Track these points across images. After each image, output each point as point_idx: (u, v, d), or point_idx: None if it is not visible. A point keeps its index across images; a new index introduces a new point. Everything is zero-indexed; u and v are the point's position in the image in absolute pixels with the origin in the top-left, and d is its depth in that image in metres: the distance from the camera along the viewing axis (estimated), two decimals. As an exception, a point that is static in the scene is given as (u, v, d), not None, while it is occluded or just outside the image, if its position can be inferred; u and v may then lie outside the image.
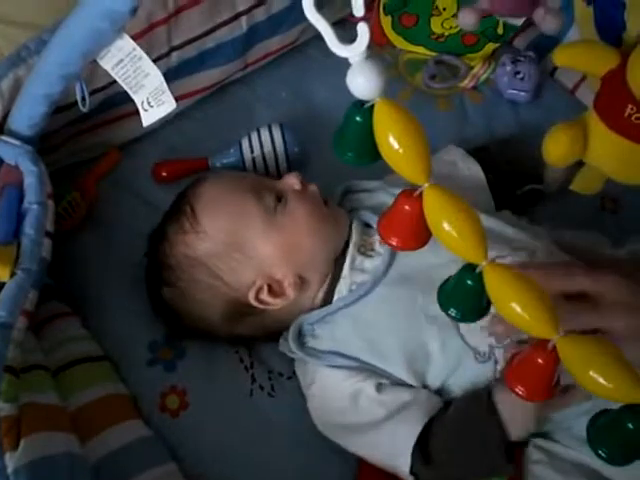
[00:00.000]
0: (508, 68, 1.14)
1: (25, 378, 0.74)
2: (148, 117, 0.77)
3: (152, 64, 0.74)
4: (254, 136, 1.05)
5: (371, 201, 0.95)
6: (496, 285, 0.54)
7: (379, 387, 0.83)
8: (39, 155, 0.84)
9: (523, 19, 1.08)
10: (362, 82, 0.51)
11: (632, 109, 0.74)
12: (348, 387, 0.84)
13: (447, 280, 0.61)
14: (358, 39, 0.50)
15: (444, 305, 0.60)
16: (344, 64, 0.51)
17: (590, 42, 0.82)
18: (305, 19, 0.50)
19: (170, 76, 0.87)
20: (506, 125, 1.14)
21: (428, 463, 0.79)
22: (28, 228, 0.79)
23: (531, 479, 0.81)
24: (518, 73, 1.13)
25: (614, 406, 0.56)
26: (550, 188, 0.97)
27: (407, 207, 0.56)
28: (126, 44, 0.73)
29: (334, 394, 0.85)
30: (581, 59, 0.79)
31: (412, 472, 0.80)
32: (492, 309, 0.58)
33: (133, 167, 1.07)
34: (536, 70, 1.13)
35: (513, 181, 1.00)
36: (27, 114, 0.83)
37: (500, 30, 1.15)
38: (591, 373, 0.51)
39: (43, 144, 0.89)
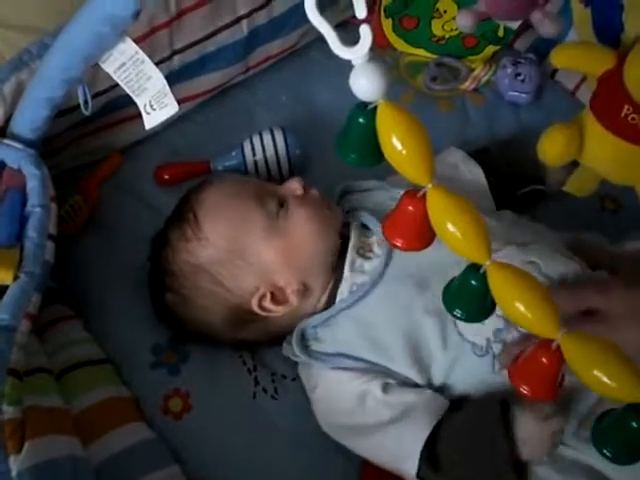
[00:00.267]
0: (509, 70, 1.14)
1: (29, 381, 0.74)
2: (151, 120, 0.78)
3: (154, 67, 0.74)
4: (256, 139, 1.05)
5: (369, 201, 0.95)
6: (500, 285, 0.54)
7: (385, 388, 0.83)
8: (42, 158, 0.85)
9: (519, 22, 1.08)
10: (365, 84, 0.51)
11: (629, 109, 0.74)
12: (354, 388, 0.84)
13: (452, 281, 0.61)
14: (361, 41, 0.50)
15: (449, 306, 0.60)
16: (345, 66, 0.51)
17: (587, 43, 0.83)
18: (306, 22, 0.50)
19: (172, 79, 0.88)
20: (507, 127, 1.14)
21: (435, 467, 0.79)
22: (31, 231, 0.79)
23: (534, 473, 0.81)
24: (519, 75, 1.14)
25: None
26: (552, 189, 0.98)
27: (411, 208, 0.56)
28: (128, 47, 0.73)
29: (339, 395, 0.85)
30: (578, 60, 0.80)
31: (418, 475, 0.79)
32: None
33: (135, 170, 1.07)
34: (537, 72, 1.14)
35: (514, 183, 1.00)
36: (29, 118, 0.83)
37: (500, 33, 1.15)
38: (595, 372, 0.51)
39: (46, 147, 0.89)
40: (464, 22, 0.82)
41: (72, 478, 0.72)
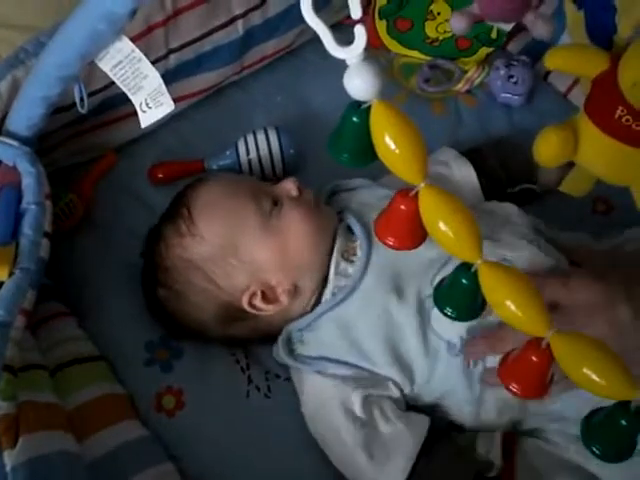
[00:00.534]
0: (502, 72, 1.15)
1: (23, 377, 0.75)
2: (146, 118, 0.78)
3: (151, 66, 0.74)
4: (250, 138, 1.05)
5: (354, 200, 0.96)
6: (491, 284, 0.55)
7: (365, 403, 0.84)
8: (37, 156, 0.85)
9: (512, 24, 1.09)
10: (359, 83, 0.51)
11: (622, 111, 0.74)
12: (335, 400, 0.85)
13: (443, 280, 0.62)
14: (355, 41, 0.50)
15: (440, 304, 0.61)
16: (340, 67, 0.52)
17: (581, 45, 0.83)
18: (301, 22, 0.50)
19: (168, 78, 0.88)
20: (499, 128, 1.15)
21: None
22: (26, 228, 0.80)
23: (523, 472, 0.82)
24: (512, 77, 1.14)
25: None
26: (544, 188, 0.98)
27: (403, 207, 0.56)
28: (125, 46, 0.73)
29: (322, 405, 0.86)
30: (572, 62, 0.80)
31: None
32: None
33: (130, 169, 1.07)
34: (529, 74, 1.14)
35: (506, 182, 1.01)
36: (25, 115, 0.83)
37: (494, 35, 1.16)
38: (584, 370, 0.52)
39: (41, 145, 0.90)
40: (458, 24, 0.82)
41: (66, 473, 0.73)
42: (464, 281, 0.56)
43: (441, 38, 1.19)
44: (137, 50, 0.73)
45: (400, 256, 0.84)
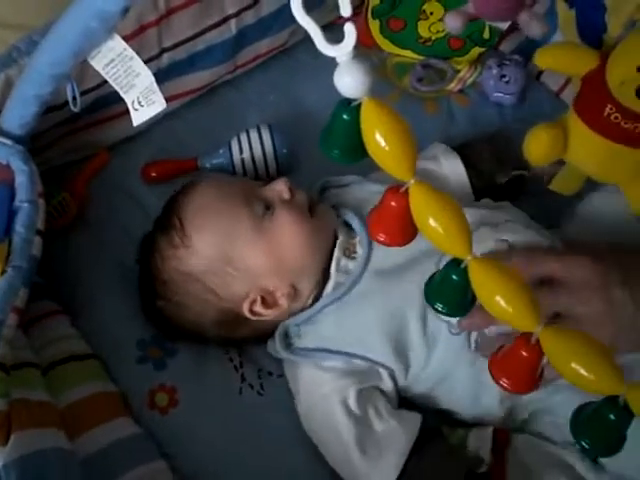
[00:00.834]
0: (494, 71, 1.15)
1: (16, 375, 0.75)
2: (138, 116, 0.78)
3: (142, 64, 0.74)
4: (243, 137, 1.06)
5: (349, 197, 0.96)
6: (480, 280, 0.55)
7: (359, 397, 0.84)
8: (30, 154, 0.85)
9: (508, 23, 1.09)
10: (349, 81, 0.52)
11: (611, 109, 0.75)
12: (331, 391, 0.85)
13: (433, 275, 0.62)
14: (345, 39, 0.51)
15: (430, 300, 0.61)
16: (331, 66, 0.52)
17: (570, 43, 0.84)
18: (294, 22, 0.50)
19: (160, 77, 0.88)
20: (492, 128, 1.14)
21: None
22: (19, 226, 0.80)
23: (513, 469, 0.82)
24: (504, 76, 1.15)
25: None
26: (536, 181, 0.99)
27: (393, 204, 0.57)
28: (117, 44, 0.73)
29: (317, 399, 0.86)
30: (562, 60, 0.80)
31: None
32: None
33: (124, 167, 1.07)
34: (522, 73, 1.15)
35: (497, 172, 1.01)
36: (18, 114, 0.83)
37: (486, 34, 1.16)
38: (573, 365, 0.52)
39: (34, 143, 0.90)
40: (453, 23, 0.83)
41: (59, 470, 0.73)
42: (454, 277, 0.57)
43: (434, 38, 1.20)
44: (129, 48, 0.73)
45: (398, 253, 0.85)
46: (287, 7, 0.51)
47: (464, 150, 1.01)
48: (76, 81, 0.81)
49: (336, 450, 0.85)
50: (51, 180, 0.94)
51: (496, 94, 1.16)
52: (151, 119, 0.80)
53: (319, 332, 0.88)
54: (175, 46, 1.00)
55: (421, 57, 1.22)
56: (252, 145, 1.05)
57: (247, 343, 0.95)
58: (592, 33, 0.79)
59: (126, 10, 0.68)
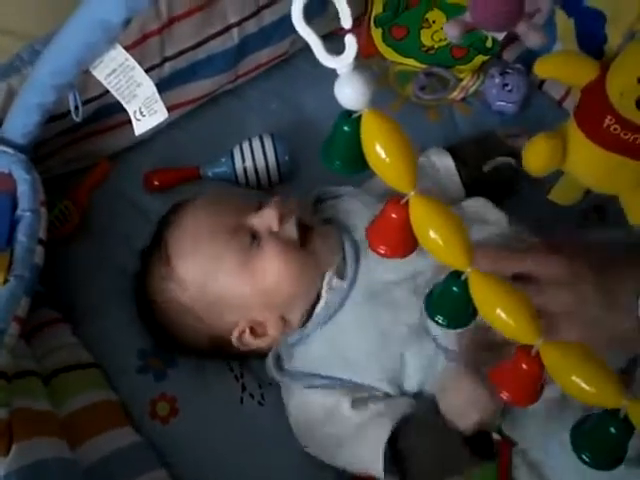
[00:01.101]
0: (496, 80, 1.15)
1: (18, 384, 0.75)
2: (140, 126, 0.78)
3: (144, 74, 0.75)
4: (245, 145, 1.06)
5: (342, 209, 0.95)
6: (481, 292, 0.55)
7: (354, 403, 0.84)
8: (32, 163, 0.85)
9: (504, 33, 1.09)
10: (349, 93, 0.52)
11: (611, 120, 0.75)
12: (324, 403, 0.85)
13: (433, 288, 0.62)
14: (346, 51, 0.51)
15: (431, 313, 0.61)
16: (333, 75, 0.52)
17: (570, 53, 0.84)
18: (295, 31, 0.51)
19: (162, 86, 0.88)
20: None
21: (401, 468, 0.80)
22: (21, 235, 0.80)
23: None
24: (506, 85, 1.15)
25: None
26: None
27: (394, 215, 0.57)
28: (119, 54, 0.73)
29: (311, 410, 0.86)
30: (561, 70, 0.80)
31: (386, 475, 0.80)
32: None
33: (126, 176, 1.07)
34: (524, 82, 1.15)
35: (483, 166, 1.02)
36: (21, 123, 0.83)
37: (489, 43, 1.16)
38: (573, 378, 0.52)
39: (37, 153, 0.90)
40: (452, 32, 0.83)
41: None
42: (454, 289, 0.57)
43: (436, 46, 1.20)
44: (131, 58, 0.73)
45: (386, 271, 0.85)
46: (288, 17, 0.51)
47: (450, 147, 1.03)
48: (78, 90, 0.81)
49: (336, 440, 0.84)
50: (53, 188, 0.94)
51: (498, 103, 1.16)
52: (153, 128, 0.80)
53: (309, 354, 0.88)
54: (177, 55, 1.00)
55: (424, 65, 1.22)
56: (254, 154, 1.05)
57: (247, 359, 0.95)
58: (592, 43, 0.79)
59: (128, 21, 0.68)
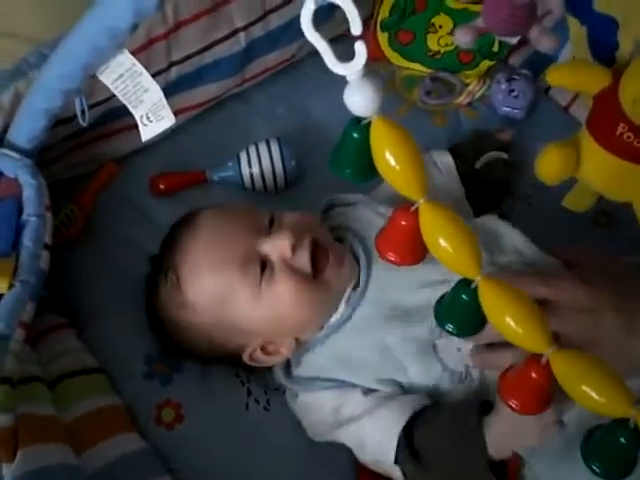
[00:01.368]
0: (503, 86, 1.15)
1: (23, 389, 0.75)
2: (147, 132, 0.78)
3: (151, 79, 0.75)
4: (252, 150, 1.06)
5: (354, 217, 0.94)
6: (491, 300, 0.55)
7: (366, 393, 0.85)
8: (38, 168, 0.85)
9: (518, 37, 1.09)
10: (359, 100, 0.52)
11: (624, 127, 0.75)
12: (333, 397, 0.86)
13: (443, 296, 0.62)
14: (355, 57, 0.51)
15: (440, 321, 0.61)
16: (340, 80, 0.52)
17: (582, 62, 0.84)
18: (303, 35, 0.50)
19: (169, 91, 0.88)
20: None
21: (416, 458, 0.79)
22: (27, 240, 0.80)
23: None
24: (513, 91, 1.14)
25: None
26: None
27: (404, 223, 0.57)
28: (126, 59, 0.73)
29: (321, 404, 0.87)
30: (573, 79, 0.80)
31: (397, 463, 0.80)
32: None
33: (132, 180, 1.07)
34: (531, 88, 1.14)
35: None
36: (27, 128, 0.83)
37: (495, 48, 1.16)
38: (583, 387, 0.52)
39: (42, 157, 0.90)
40: (464, 38, 0.83)
41: (66, 486, 0.73)
42: (464, 297, 0.57)
43: (443, 51, 1.20)
44: (138, 64, 0.73)
45: (395, 286, 0.85)
46: (295, 21, 0.51)
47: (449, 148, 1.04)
48: (85, 94, 0.81)
49: (348, 423, 0.84)
50: (59, 193, 0.94)
51: (504, 108, 1.16)
52: (159, 133, 0.80)
53: (316, 362, 0.88)
54: (183, 60, 1.00)
55: (430, 70, 1.22)
56: (261, 158, 1.05)
57: (256, 368, 0.94)
58: (604, 51, 0.79)
59: (135, 26, 0.68)
